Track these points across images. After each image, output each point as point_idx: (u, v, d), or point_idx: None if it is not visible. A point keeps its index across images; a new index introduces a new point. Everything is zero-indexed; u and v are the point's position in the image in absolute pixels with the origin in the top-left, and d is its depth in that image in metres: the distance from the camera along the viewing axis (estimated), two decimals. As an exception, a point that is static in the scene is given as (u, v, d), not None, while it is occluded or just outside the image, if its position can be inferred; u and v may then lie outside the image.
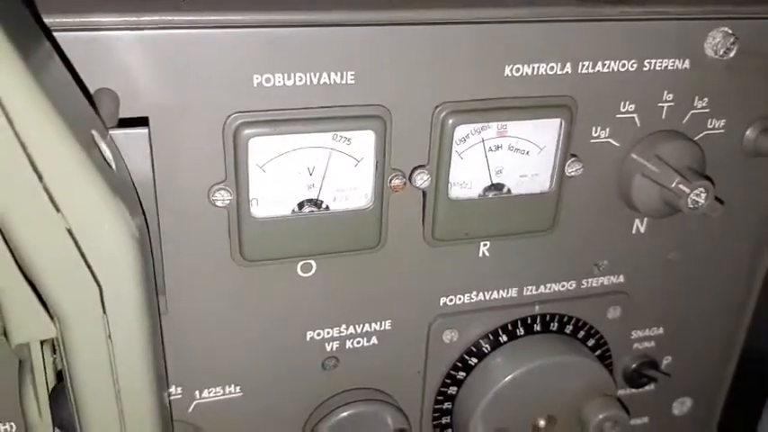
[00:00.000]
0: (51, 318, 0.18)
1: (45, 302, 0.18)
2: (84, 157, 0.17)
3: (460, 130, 0.27)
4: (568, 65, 0.27)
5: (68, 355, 0.19)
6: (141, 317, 0.19)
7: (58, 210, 0.17)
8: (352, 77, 0.25)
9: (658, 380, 0.35)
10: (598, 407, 0.32)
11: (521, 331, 0.32)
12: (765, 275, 0.35)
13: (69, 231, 0.17)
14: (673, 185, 0.28)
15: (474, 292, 0.31)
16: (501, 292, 0.31)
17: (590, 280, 0.32)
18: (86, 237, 0.18)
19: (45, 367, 0.21)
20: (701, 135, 0.30)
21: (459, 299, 0.31)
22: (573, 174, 0.29)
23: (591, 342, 0.33)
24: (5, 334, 0.19)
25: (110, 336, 0.19)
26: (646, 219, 0.31)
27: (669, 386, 0.36)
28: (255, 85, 0.24)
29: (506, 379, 0.30)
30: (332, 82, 0.25)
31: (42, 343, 0.20)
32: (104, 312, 0.18)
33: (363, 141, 0.26)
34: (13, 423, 0.28)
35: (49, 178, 0.17)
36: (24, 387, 0.22)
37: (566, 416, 0.32)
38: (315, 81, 0.25)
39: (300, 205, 0.26)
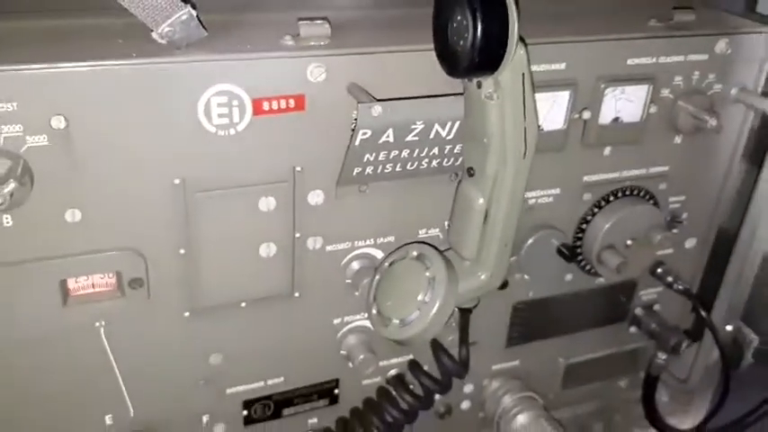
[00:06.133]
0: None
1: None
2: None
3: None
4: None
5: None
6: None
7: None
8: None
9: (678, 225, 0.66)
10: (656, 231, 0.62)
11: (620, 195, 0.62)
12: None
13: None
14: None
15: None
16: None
17: (657, 168, 0.62)
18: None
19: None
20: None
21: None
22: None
23: (652, 201, 0.64)
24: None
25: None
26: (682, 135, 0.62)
27: (683, 231, 0.67)
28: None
29: (615, 217, 0.61)
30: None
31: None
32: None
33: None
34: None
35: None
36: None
37: (641, 239, 0.62)
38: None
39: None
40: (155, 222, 0.47)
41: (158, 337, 0.51)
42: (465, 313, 0.54)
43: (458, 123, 0.48)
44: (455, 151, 0.51)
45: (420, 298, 0.49)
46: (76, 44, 0.43)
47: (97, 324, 0.49)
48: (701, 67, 0.59)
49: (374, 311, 0.51)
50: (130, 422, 0.53)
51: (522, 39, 0.42)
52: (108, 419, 0.53)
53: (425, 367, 0.59)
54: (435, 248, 0.52)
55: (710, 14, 0.62)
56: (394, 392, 0.56)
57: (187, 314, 0.51)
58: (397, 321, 0.49)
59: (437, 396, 0.58)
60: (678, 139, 0.62)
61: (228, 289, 0.51)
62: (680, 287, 0.65)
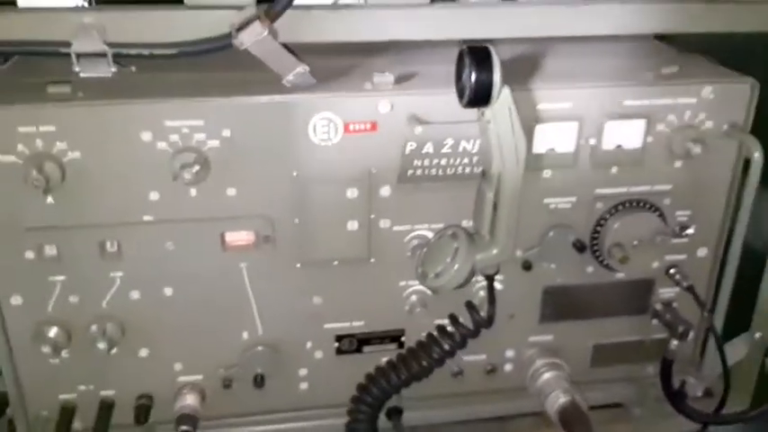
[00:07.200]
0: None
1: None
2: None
3: (608, 123, 0.75)
4: (648, 100, 0.75)
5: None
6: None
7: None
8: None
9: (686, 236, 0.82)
10: (657, 236, 0.79)
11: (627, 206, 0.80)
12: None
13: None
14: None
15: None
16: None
17: (660, 186, 0.79)
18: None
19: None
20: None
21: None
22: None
23: (657, 213, 0.80)
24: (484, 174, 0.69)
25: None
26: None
27: (694, 240, 0.83)
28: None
29: (621, 221, 0.78)
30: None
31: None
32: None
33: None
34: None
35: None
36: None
37: (645, 241, 0.79)
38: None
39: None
40: (280, 200, 0.74)
41: (279, 278, 0.77)
42: (489, 278, 0.75)
43: (479, 141, 0.71)
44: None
45: (447, 261, 0.71)
46: (239, 86, 0.71)
47: (241, 265, 0.76)
48: (691, 107, 0.76)
49: (419, 270, 0.74)
50: (259, 338, 0.80)
51: (506, 84, 0.64)
52: (245, 335, 0.79)
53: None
54: (466, 230, 0.73)
55: (705, 66, 0.79)
56: (438, 336, 0.78)
57: (298, 265, 0.77)
58: (432, 275, 0.72)
59: (473, 346, 0.79)
60: (679, 163, 0.79)
61: (325, 250, 0.76)
62: (684, 284, 0.81)
